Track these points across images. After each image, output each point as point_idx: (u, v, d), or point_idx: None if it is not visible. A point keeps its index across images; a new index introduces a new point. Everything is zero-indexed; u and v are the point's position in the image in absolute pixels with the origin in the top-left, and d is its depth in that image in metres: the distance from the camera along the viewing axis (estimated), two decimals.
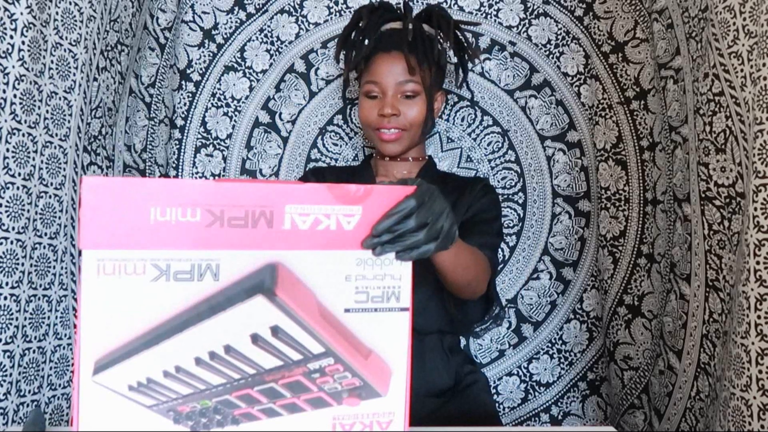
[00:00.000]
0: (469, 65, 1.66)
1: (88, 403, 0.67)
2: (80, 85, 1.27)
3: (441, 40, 1.46)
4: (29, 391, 1.13)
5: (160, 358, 0.68)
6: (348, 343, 0.75)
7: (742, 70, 1.07)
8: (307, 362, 0.74)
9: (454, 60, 1.59)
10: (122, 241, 0.66)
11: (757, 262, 0.98)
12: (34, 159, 1.13)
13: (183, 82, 1.72)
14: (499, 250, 1.45)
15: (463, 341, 1.54)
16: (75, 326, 0.70)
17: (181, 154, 1.71)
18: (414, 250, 0.79)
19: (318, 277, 0.73)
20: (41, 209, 1.16)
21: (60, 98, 1.21)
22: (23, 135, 1.10)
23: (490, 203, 1.42)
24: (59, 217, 1.21)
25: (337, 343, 0.75)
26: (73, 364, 1.26)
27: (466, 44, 1.48)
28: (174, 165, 1.70)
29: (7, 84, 1.05)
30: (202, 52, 1.73)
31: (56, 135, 1.20)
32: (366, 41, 1.46)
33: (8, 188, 1.06)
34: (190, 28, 1.72)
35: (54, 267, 1.20)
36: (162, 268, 0.68)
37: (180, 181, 0.67)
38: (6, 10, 1.05)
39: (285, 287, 0.72)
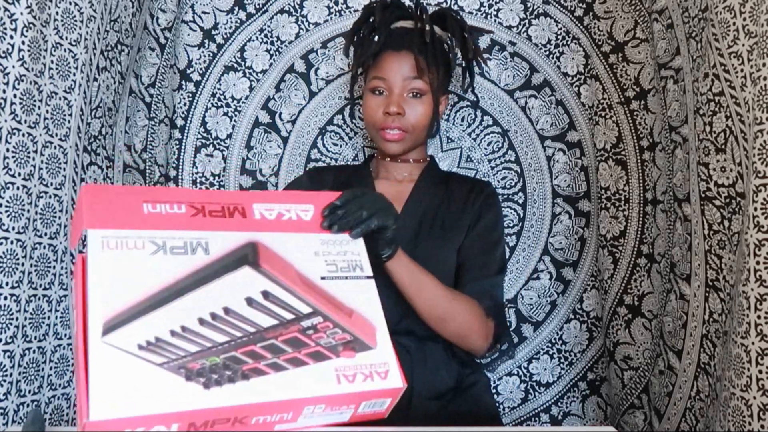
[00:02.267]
0: (476, 70, 1.65)
1: (99, 364, 0.68)
2: (80, 85, 1.27)
3: (450, 44, 1.45)
4: (29, 391, 1.13)
5: (165, 319, 0.75)
6: (331, 305, 0.85)
7: (742, 70, 1.07)
8: (299, 321, 0.82)
9: (462, 63, 1.58)
10: (121, 223, 0.78)
11: (757, 262, 0.98)
12: (34, 159, 1.13)
13: (183, 82, 1.72)
14: (504, 277, 1.45)
15: None
16: (77, 303, 0.73)
17: (181, 154, 1.71)
18: (354, 228, 0.96)
19: (292, 254, 0.87)
20: (41, 209, 1.16)
21: (60, 98, 1.21)
22: (23, 135, 1.10)
23: (492, 223, 1.41)
24: (59, 217, 1.22)
25: (322, 305, 0.84)
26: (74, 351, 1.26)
27: (476, 50, 1.48)
28: (174, 165, 1.70)
29: (7, 84, 1.06)
30: (202, 52, 1.73)
31: (56, 135, 1.20)
32: (376, 38, 1.44)
33: (8, 188, 1.07)
34: (190, 28, 1.72)
35: (54, 267, 1.20)
36: (159, 244, 0.79)
37: (164, 188, 0.86)
38: (6, 10, 1.05)
39: (267, 259, 0.84)
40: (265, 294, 0.81)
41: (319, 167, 1.61)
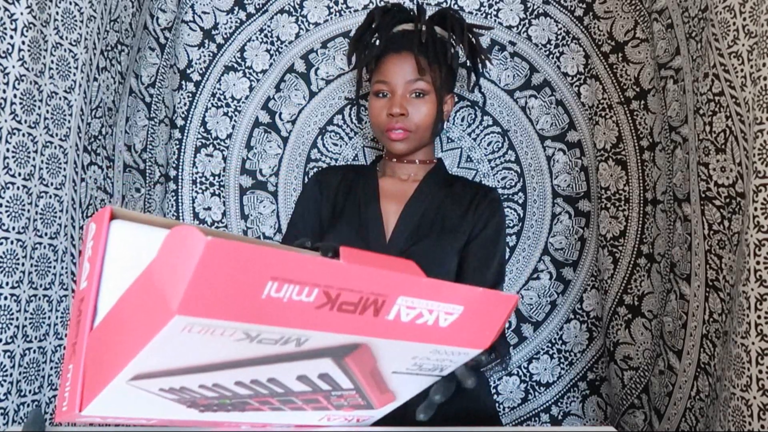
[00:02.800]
0: (481, 68, 1.66)
1: (109, 390, 0.59)
2: (80, 85, 1.27)
3: (453, 43, 1.46)
4: (30, 391, 1.13)
5: (202, 379, 0.63)
6: (375, 386, 0.76)
7: (742, 70, 1.07)
8: (333, 391, 0.73)
9: (467, 63, 1.60)
10: (227, 312, 0.54)
11: (758, 262, 0.98)
12: (34, 159, 1.13)
13: (183, 82, 1.72)
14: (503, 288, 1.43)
15: None
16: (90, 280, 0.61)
17: (181, 154, 1.71)
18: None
19: (389, 354, 0.70)
20: (41, 209, 1.16)
21: (60, 98, 1.21)
22: (23, 135, 1.10)
23: (495, 233, 1.41)
24: (59, 217, 1.22)
25: (367, 385, 0.75)
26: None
27: (478, 48, 1.49)
28: (174, 165, 1.70)
29: (7, 84, 1.05)
30: (202, 52, 1.73)
31: (56, 135, 1.20)
32: (377, 42, 1.47)
33: (8, 188, 1.06)
34: (190, 28, 1.72)
35: (54, 267, 1.20)
36: (252, 335, 0.58)
37: (305, 257, 0.57)
38: (6, 10, 1.05)
39: (355, 358, 0.68)
40: (323, 375, 0.69)
41: (327, 168, 1.61)
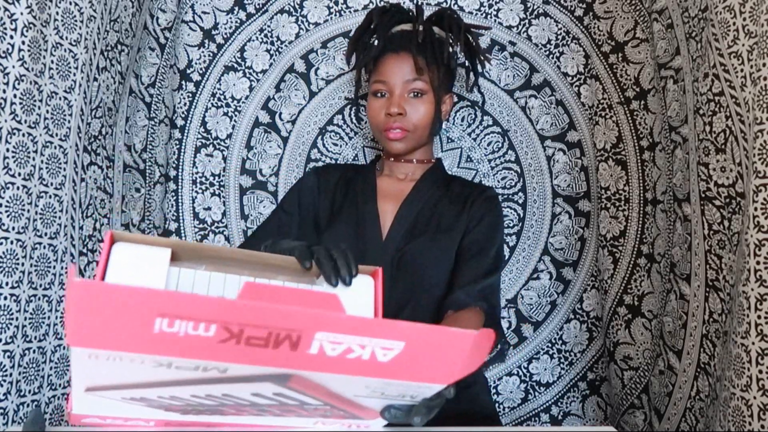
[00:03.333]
0: (480, 69, 1.66)
1: (81, 405, 0.65)
2: (80, 85, 1.27)
3: (452, 43, 1.47)
4: (29, 391, 1.13)
5: (157, 392, 0.65)
6: (348, 403, 0.72)
7: (742, 70, 1.07)
8: (303, 404, 0.71)
9: (465, 63, 1.60)
10: (120, 344, 0.56)
11: (758, 262, 0.98)
12: (34, 159, 1.13)
13: (183, 82, 1.72)
14: (500, 278, 1.42)
15: None
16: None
17: (181, 154, 1.71)
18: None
19: (334, 384, 0.66)
20: (41, 209, 1.16)
21: (60, 98, 1.21)
22: (23, 135, 1.10)
23: (491, 226, 1.41)
24: (59, 217, 1.22)
25: (337, 403, 0.71)
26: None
27: (477, 48, 1.50)
28: (174, 165, 1.70)
29: (7, 84, 1.06)
30: (202, 52, 1.73)
31: (56, 135, 1.20)
32: (376, 42, 1.48)
33: (8, 188, 1.07)
34: (190, 28, 1.72)
35: (54, 267, 1.20)
36: (163, 363, 0.59)
37: (195, 297, 0.56)
38: (6, 10, 1.05)
39: (299, 382, 0.65)
40: (278, 394, 0.67)
41: (327, 165, 1.62)
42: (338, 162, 1.75)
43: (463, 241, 1.38)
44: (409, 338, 0.62)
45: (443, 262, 1.35)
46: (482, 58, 1.52)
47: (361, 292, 0.86)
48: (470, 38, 1.50)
